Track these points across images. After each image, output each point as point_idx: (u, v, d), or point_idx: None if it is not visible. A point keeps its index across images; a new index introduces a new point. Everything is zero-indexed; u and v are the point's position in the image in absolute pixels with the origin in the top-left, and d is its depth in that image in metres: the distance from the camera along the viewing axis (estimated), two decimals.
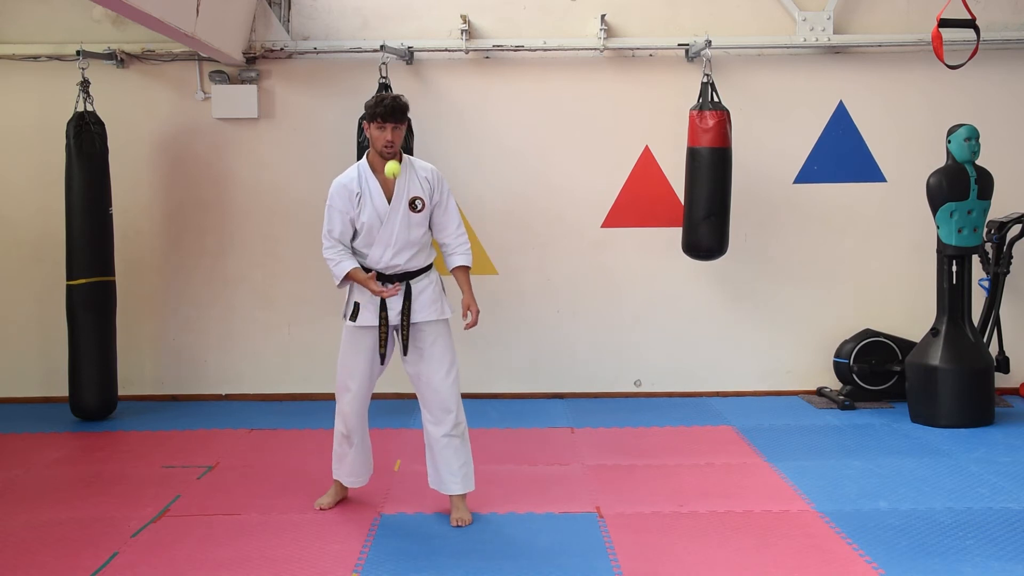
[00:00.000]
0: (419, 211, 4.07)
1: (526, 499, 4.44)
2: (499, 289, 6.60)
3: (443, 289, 4.24)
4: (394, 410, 6.18)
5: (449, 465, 4.18)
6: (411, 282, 4.11)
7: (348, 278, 4.08)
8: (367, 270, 4.09)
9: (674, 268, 6.54)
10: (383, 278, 4.09)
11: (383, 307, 4.07)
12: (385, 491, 4.60)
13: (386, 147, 4.00)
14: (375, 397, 6.18)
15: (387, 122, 3.97)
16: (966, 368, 5.70)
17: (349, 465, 4.35)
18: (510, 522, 4.16)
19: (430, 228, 4.18)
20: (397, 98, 4.01)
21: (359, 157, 5.95)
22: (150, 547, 3.91)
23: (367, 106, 4.04)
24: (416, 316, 4.10)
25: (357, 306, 4.11)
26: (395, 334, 4.16)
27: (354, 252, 4.13)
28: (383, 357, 4.15)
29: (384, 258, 4.06)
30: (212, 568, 3.69)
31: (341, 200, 4.06)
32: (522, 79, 6.55)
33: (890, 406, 6.23)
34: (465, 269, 4.22)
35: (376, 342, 4.13)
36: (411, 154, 6.02)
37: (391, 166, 3.96)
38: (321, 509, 4.33)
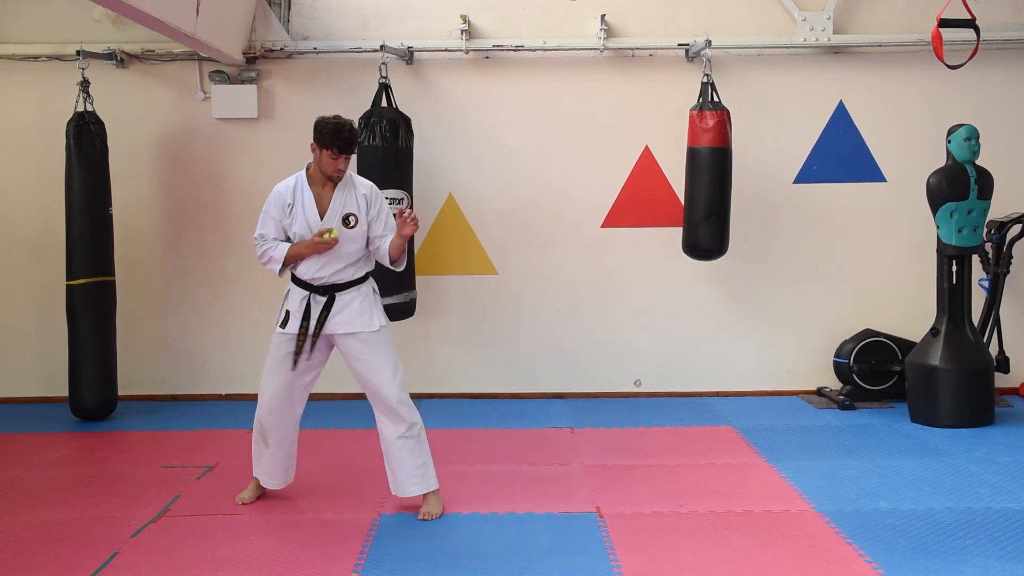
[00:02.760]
0: (352, 227, 4.13)
1: (526, 499, 4.44)
2: (499, 289, 6.60)
3: (376, 301, 4.26)
4: None
5: (405, 466, 4.23)
6: (337, 294, 4.16)
7: (290, 259, 4.13)
8: (299, 281, 4.18)
9: (674, 268, 6.54)
10: (310, 288, 4.15)
11: (306, 315, 4.15)
12: (385, 491, 4.58)
13: (335, 174, 4.11)
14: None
15: (342, 154, 4.06)
16: (966, 368, 5.70)
17: (266, 464, 4.39)
18: (510, 522, 4.16)
19: (368, 243, 4.23)
20: (353, 130, 4.09)
21: (359, 157, 5.99)
22: (150, 547, 3.91)
23: (323, 131, 4.05)
24: (342, 327, 4.16)
25: (288, 314, 4.19)
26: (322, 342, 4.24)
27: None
28: (295, 362, 4.19)
29: (311, 269, 4.14)
30: (212, 568, 3.69)
31: (275, 208, 4.18)
32: (522, 79, 6.55)
33: (890, 406, 6.23)
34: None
35: (287, 349, 4.21)
36: (411, 154, 6.08)
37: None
38: (243, 504, 4.38)
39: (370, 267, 4.30)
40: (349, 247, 4.15)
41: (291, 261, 4.15)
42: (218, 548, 3.89)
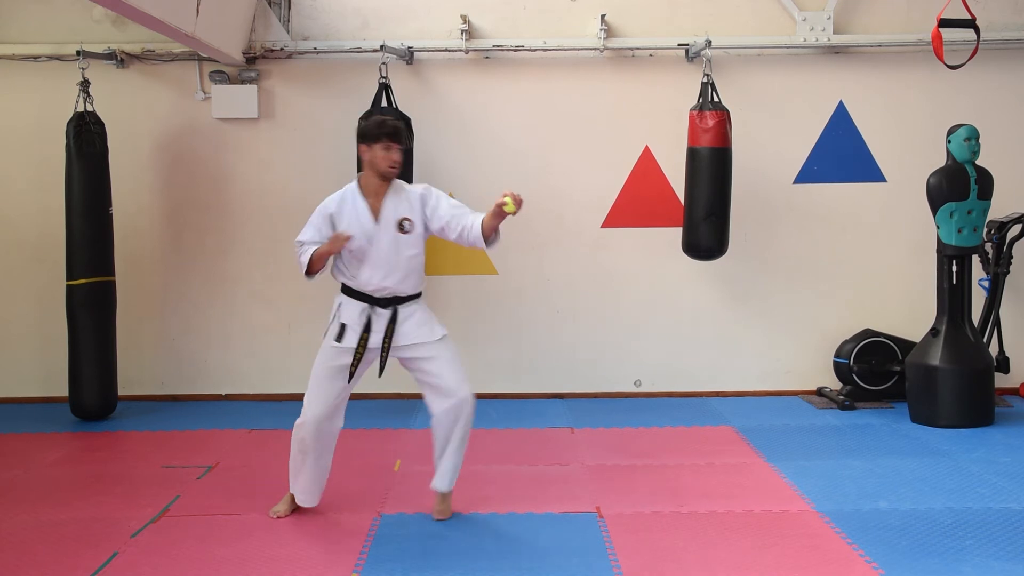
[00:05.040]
0: (407, 232, 4.06)
1: (526, 499, 4.44)
2: (499, 289, 6.60)
3: (431, 312, 4.22)
4: (394, 410, 6.19)
5: (452, 462, 4.17)
6: (399, 307, 4.09)
7: (315, 262, 4.02)
8: (357, 293, 4.08)
9: (674, 268, 6.54)
10: (372, 301, 4.06)
11: (366, 328, 4.05)
12: (385, 491, 4.60)
13: (391, 168, 4.04)
14: (374, 397, 6.24)
15: (394, 142, 4.02)
16: (966, 368, 5.70)
17: (304, 481, 4.25)
18: (510, 522, 4.16)
19: (447, 233, 4.14)
20: (396, 119, 4.07)
21: (359, 158, 5.98)
22: (150, 547, 3.91)
23: (369, 127, 4.05)
24: (407, 339, 4.08)
25: (343, 327, 4.07)
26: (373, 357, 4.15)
27: (344, 274, 4.11)
28: (351, 376, 4.09)
29: (374, 279, 4.04)
30: (212, 568, 3.69)
31: (319, 217, 4.11)
32: (522, 79, 6.55)
33: (890, 406, 6.23)
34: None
35: (345, 361, 4.09)
36: (411, 154, 6.07)
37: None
38: (278, 516, 4.26)
39: (424, 282, 4.23)
40: (408, 252, 4.06)
41: (316, 264, 4.04)
42: (218, 548, 3.89)
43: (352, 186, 4.13)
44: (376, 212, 4.06)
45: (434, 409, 4.15)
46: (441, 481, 4.22)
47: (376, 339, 4.06)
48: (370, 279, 4.04)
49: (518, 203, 3.93)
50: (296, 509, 4.33)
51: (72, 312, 5.96)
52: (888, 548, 3.78)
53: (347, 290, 4.12)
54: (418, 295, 4.18)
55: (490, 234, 4.04)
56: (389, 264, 4.04)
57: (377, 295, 4.06)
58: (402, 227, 4.06)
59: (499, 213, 3.96)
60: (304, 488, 4.27)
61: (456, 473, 4.23)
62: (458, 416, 4.11)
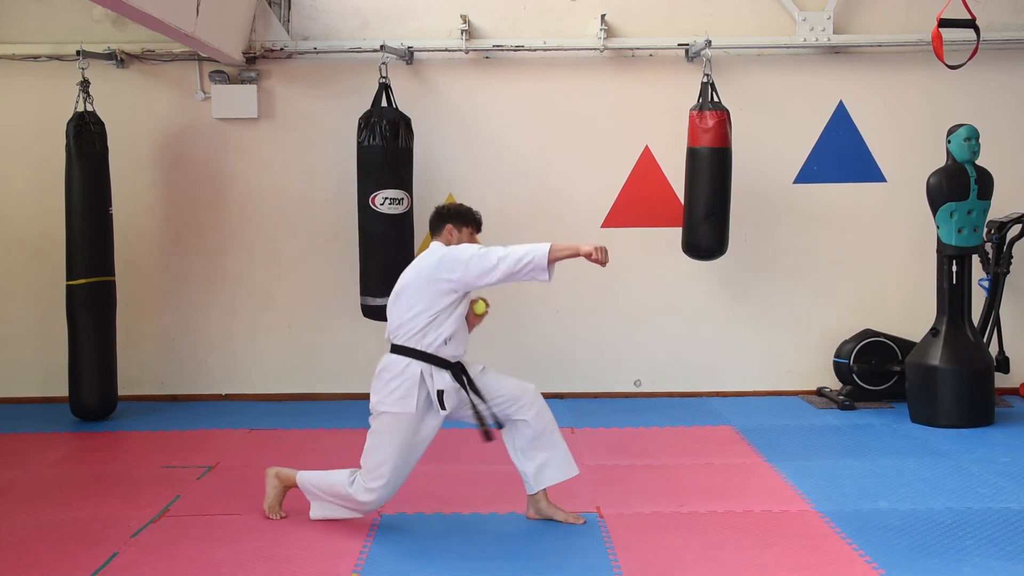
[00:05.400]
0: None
1: (526, 499, 4.43)
2: (499, 289, 6.56)
3: None
4: None
5: (559, 448, 4.13)
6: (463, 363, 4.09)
7: (556, 258, 3.92)
8: (441, 361, 3.98)
9: (674, 268, 6.53)
10: (450, 366, 4.00)
11: (463, 386, 4.01)
12: None
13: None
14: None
15: (478, 231, 4.17)
16: (966, 368, 5.70)
17: (318, 510, 4.15)
18: (510, 522, 4.16)
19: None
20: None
21: (359, 157, 5.99)
22: (150, 547, 3.90)
23: (464, 212, 4.15)
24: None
25: (441, 393, 3.94)
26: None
27: (428, 339, 3.96)
28: (488, 436, 4.04)
29: (460, 346, 4.06)
30: (212, 568, 3.69)
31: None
32: (522, 79, 6.55)
33: (890, 406, 6.23)
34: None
35: (435, 427, 4.02)
36: (411, 154, 6.07)
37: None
38: (283, 518, 4.20)
39: None
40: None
41: (559, 259, 3.97)
42: (218, 548, 3.89)
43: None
44: None
45: (514, 423, 4.10)
46: (566, 469, 4.13)
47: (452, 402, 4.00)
48: (459, 346, 4.04)
49: (487, 307, 4.08)
50: (284, 494, 4.22)
51: (72, 312, 5.96)
52: (888, 548, 3.78)
53: (427, 357, 3.95)
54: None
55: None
56: (465, 332, 4.11)
57: (454, 360, 4.03)
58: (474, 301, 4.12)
59: (470, 323, 4.13)
60: (323, 516, 4.15)
61: (570, 457, 4.16)
62: (542, 412, 4.10)
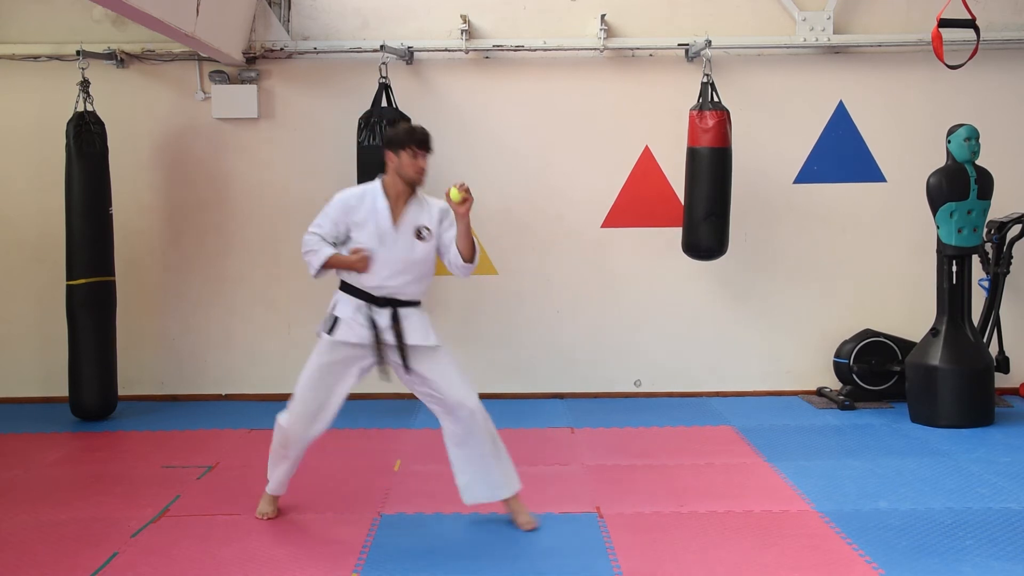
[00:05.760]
0: (424, 239, 4.07)
1: (526, 499, 4.41)
2: (499, 289, 6.60)
3: (428, 321, 4.17)
4: (394, 410, 6.18)
5: (492, 472, 4.13)
6: (399, 308, 4.06)
7: (328, 266, 4.02)
8: (356, 290, 4.06)
9: (674, 268, 6.54)
10: (370, 299, 4.04)
11: (372, 325, 4.01)
12: (385, 491, 4.60)
13: (419, 174, 4.06)
14: (375, 397, 6.23)
15: (421, 150, 4.06)
16: (966, 368, 5.70)
17: (279, 475, 4.24)
18: (510, 522, 4.16)
19: (442, 254, 4.16)
20: (424, 129, 4.11)
21: (359, 157, 6.00)
22: (150, 547, 3.91)
23: (398, 134, 4.07)
24: (408, 338, 4.04)
25: (336, 320, 4.06)
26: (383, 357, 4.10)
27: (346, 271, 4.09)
28: (385, 373, 4.06)
29: (377, 277, 4.02)
30: (212, 568, 3.69)
31: (338, 211, 4.08)
32: (522, 79, 6.55)
33: (890, 406, 6.23)
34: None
35: (346, 361, 4.07)
36: None
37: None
38: (268, 518, 4.24)
39: (425, 294, 4.22)
40: (418, 258, 4.07)
41: (329, 268, 4.03)
42: (218, 548, 3.89)
43: (375, 185, 4.14)
44: (396, 215, 4.07)
45: (447, 426, 4.13)
46: (499, 490, 4.14)
47: (383, 334, 4.02)
48: (375, 276, 4.03)
49: (463, 190, 3.96)
50: (275, 501, 4.30)
51: (72, 312, 5.96)
52: (888, 548, 3.78)
53: (345, 287, 4.12)
54: (417, 303, 4.16)
55: (466, 250, 4.07)
56: (397, 266, 4.03)
57: (376, 293, 4.05)
58: (420, 234, 4.08)
59: (457, 215, 4.02)
60: (281, 480, 4.27)
61: (509, 474, 4.16)
62: (472, 429, 4.09)
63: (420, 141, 4.05)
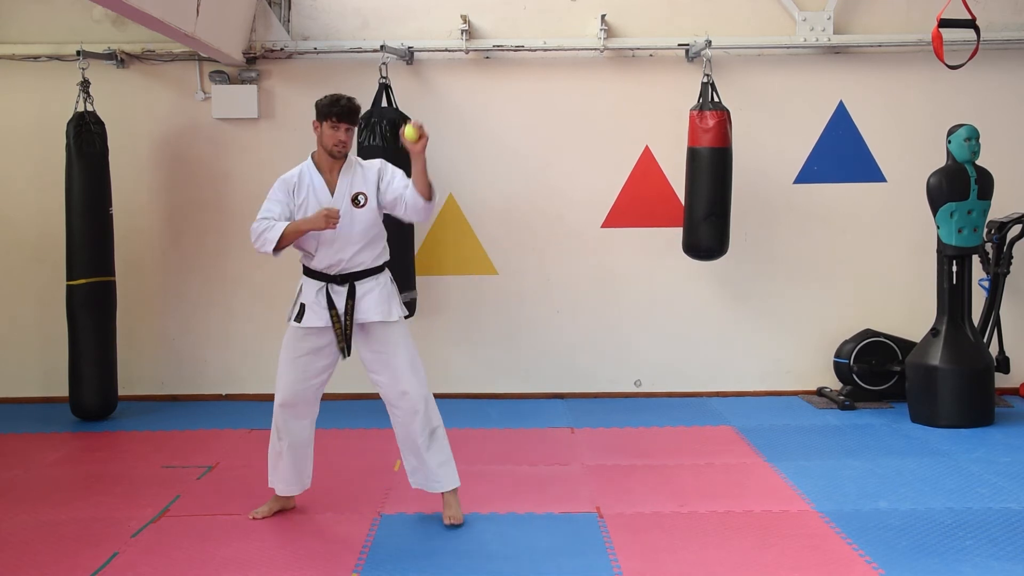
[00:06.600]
0: (362, 206, 4.06)
1: (526, 499, 4.44)
2: (499, 289, 6.60)
3: (394, 292, 4.17)
4: None
5: (427, 465, 4.17)
6: (356, 283, 4.07)
7: (286, 237, 3.96)
8: (315, 272, 4.08)
9: (674, 268, 6.53)
10: (326, 278, 4.06)
11: (331, 306, 4.04)
12: (385, 491, 4.60)
13: (337, 146, 4.04)
14: (375, 397, 6.21)
15: (341, 122, 4.01)
16: (966, 368, 5.70)
17: (282, 471, 4.24)
18: (510, 522, 4.16)
19: (396, 208, 4.11)
20: (352, 100, 4.05)
21: (360, 157, 5.98)
22: (150, 547, 3.91)
23: (321, 104, 4.05)
24: (363, 316, 4.05)
25: (303, 307, 4.08)
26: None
27: (303, 254, 4.11)
28: (345, 351, 4.08)
29: (327, 256, 4.03)
30: (212, 568, 3.69)
31: (281, 191, 4.09)
32: (522, 79, 6.55)
33: (890, 406, 6.23)
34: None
35: (316, 346, 4.10)
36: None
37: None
38: (255, 519, 4.23)
39: (386, 256, 4.20)
40: (361, 226, 4.05)
41: (289, 240, 3.98)
42: (218, 548, 3.89)
43: (307, 162, 4.15)
44: (331, 187, 4.08)
45: (389, 409, 4.17)
46: (434, 483, 4.18)
47: (341, 315, 4.05)
48: (324, 256, 4.05)
49: (417, 128, 3.92)
50: (277, 512, 4.29)
51: (72, 312, 5.96)
52: (888, 548, 3.78)
53: (306, 271, 4.14)
54: (377, 270, 4.14)
55: (423, 189, 4.02)
56: (342, 239, 4.03)
57: (331, 272, 4.06)
58: (356, 201, 4.05)
59: (413, 154, 3.96)
60: (283, 478, 4.25)
61: (445, 470, 4.17)
62: (412, 417, 4.10)
63: (340, 112, 3.99)
